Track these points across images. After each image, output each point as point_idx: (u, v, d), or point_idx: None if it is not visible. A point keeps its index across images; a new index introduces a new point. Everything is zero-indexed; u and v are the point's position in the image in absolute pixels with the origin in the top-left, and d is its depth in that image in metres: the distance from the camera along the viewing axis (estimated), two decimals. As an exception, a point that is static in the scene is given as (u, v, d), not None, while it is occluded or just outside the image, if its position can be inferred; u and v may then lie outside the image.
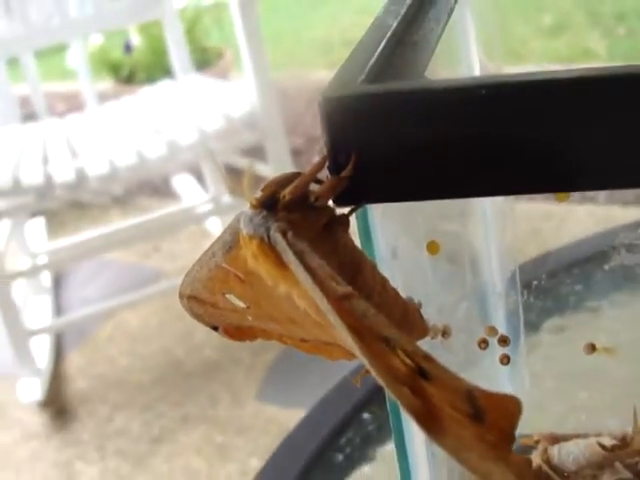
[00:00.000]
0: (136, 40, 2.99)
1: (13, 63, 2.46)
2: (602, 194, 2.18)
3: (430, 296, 0.31)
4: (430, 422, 0.24)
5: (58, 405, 1.87)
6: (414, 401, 0.24)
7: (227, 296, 0.32)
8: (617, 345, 0.64)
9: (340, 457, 0.63)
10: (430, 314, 0.30)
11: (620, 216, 2.00)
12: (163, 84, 2.15)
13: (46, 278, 2.30)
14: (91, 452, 1.72)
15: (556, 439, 0.53)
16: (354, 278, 0.28)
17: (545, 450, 0.52)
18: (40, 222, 2.48)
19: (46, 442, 1.79)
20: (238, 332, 0.34)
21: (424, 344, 0.29)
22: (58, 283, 2.31)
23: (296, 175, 0.28)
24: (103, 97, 2.33)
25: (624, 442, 0.50)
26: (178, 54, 2.16)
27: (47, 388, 1.90)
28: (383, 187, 0.28)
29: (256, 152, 1.90)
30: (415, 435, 0.33)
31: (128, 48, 3.01)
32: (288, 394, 1.73)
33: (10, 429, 1.85)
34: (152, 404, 1.81)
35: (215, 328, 0.34)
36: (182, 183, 2.43)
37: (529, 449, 0.53)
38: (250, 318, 0.33)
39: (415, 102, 0.27)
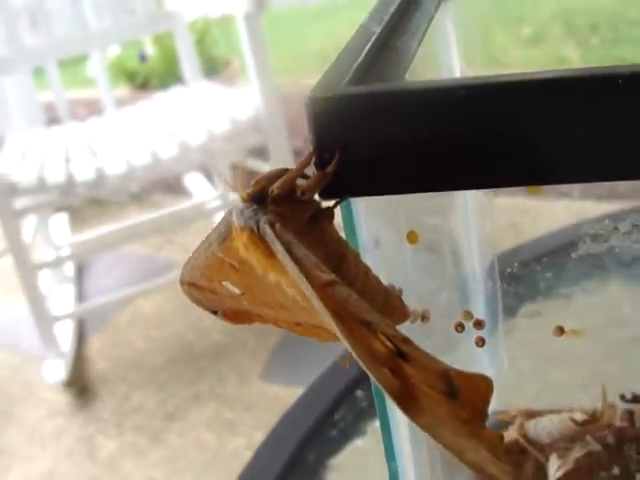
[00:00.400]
0: (150, 50, 2.99)
1: (39, 72, 2.46)
2: (577, 190, 2.17)
3: (410, 283, 0.31)
4: (407, 401, 0.23)
5: (80, 385, 1.87)
6: (392, 381, 0.24)
7: (223, 283, 0.32)
8: (587, 328, 0.64)
9: (334, 431, 0.63)
10: (410, 300, 0.30)
11: (594, 210, 2.00)
12: (175, 90, 2.14)
13: (69, 268, 2.29)
14: (110, 428, 1.72)
15: (532, 415, 0.53)
16: (338, 267, 0.27)
17: (521, 425, 0.52)
18: (63, 217, 2.48)
19: (70, 419, 1.79)
20: (236, 316, 0.34)
21: (404, 328, 0.28)
22: (80, 273, 2.31)
23: (285, 171, 0.28)
24: (120, 103, 2.32)
25: (594, 417, 0.50)
26: (189, 63, 2.15)
27: (70, 369, 1.90)
28: (365, 182, 0.27)
29: (260, 152, 1.90)
30: (398, 414, 0.33)
31: (143, 58, 3.01)
32: (290, 374, 1.73)
33: (37, 407, 1.85)
34: (166, 384, 1.81)
35: (214, 312, 0.34)
36: (193, 181, 2.43)
37: (507, 424, 0.53)
38: (245, 303, 0.32)
39: (395, 102, 0.26)
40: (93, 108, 2.60)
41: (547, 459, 0.50)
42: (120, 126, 2.01)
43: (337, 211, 0.29)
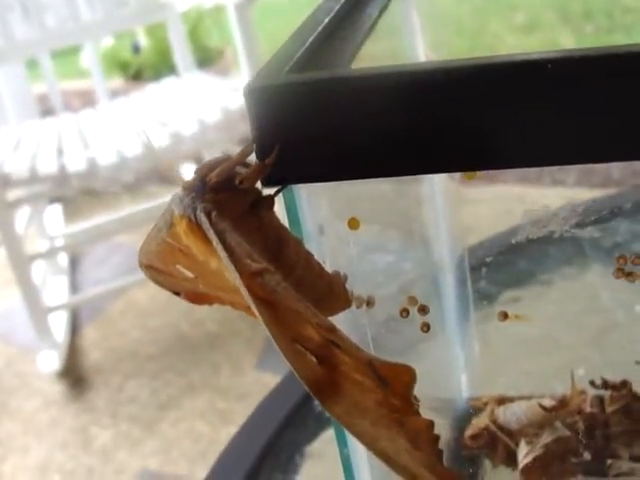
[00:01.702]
0: (143, 41, 2.99)
1: (32, 64, 2.46)
2: (571, 178, 2.17)
3: (356, 269, 0.31)
4: (325, 389, 0.23)
5: (75, 375, 1.88)
6: (313, 370, 0.24)
7: (178, 267, 0.32)
8: (564, 314, 0.64)
9: (311, 419, 0.63)
10: (356, 286, 0.30)
11: (588, 197, 1.99)
12: (168, 81, 2.14)
13: (63, 259, 2.30)
14: (105, 418, 1.73)
15: (502, 401, 0.53)
16: (278, 253, 0.28)
17: (492, 411, 0.52)
18: (57, 208, 2.48)
19: (64, 409, 1.79)
20: (197, 297, 0.34)
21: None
22: (74, 264, 2.32)
23: (225, 159, 0.28)
24: (114, 94, 2.32)
25: (563, 403, 0.50)
26: (182, 54, 2.15)
27: (64, 360, 1.91)
28: (306, 169, 0.28)
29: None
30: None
31: (136, 49, 3.01)
32: (284, 363, 1.73)
33: (32, 397, 1.85)
34: (160, 373, 1.81)
35: (177, 293, 0.34)
36: (186, 172, 2.43)
37: (479, 411, 0.53)
38: (201, 286, 0.32)
39: (333, 90, 0.26)
40: (87, 99, 2.61)
41: (517, 445, 0.50)
42: (113, 117, 2.01)
43: (280, 198, 0.29)
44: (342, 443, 0.34)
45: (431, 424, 0.24)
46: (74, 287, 2.19)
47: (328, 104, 0.26)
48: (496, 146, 0.26)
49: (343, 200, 0.30)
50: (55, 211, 2.46)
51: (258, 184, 0.28)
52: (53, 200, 2.40)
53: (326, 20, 0.32)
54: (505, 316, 0.41)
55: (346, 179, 0.28)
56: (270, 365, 1.75)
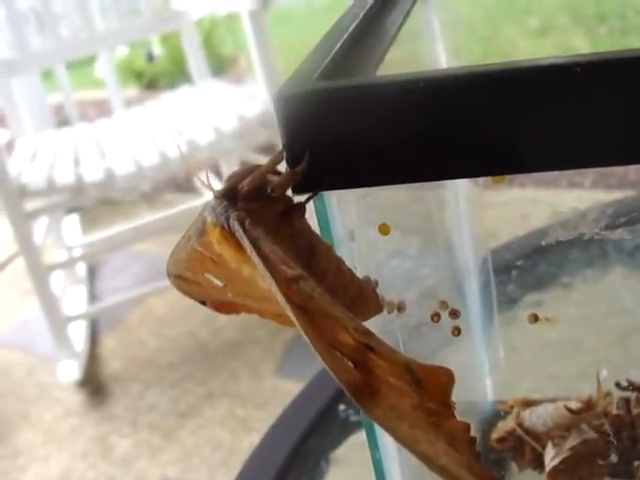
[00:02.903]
0: (158, 50, 3.00)
1: (47, 75, 2.47)
2: (588, 180, 2.17)
3: (387, 275, 0.31)
4: (364, 393, 0.24)
5: (94, 384, 1.88)
6: (351, 374, 0.24)
7: (206, 275, 0.32)
8: (587, 316, 0.64)
9: (336, 425, 0.64)
10: (387, 291, 0.30)
11: (604, 200, 1.99)
12: (183, 90, 2.15)
13: (81, 269, 2.30)
14: (125, 426, 1.73)
15: (528, 404, 0.53)
16: (309, 260, 0.28)
17: (518, 414, 0.52)
18: (75, 218, 2.49)
19: (84, 418, 1.80)
20: (224, 306, 0.34)
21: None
22: (92, 273, 2.32)
23: (256, 167, 0.28)
24: (129, 103, 2.33)
25: (589, 405, 0.50)
26: (196, 62, 2.15)
27: (84, 369, 1.91)
28: (337, 176, 0.28)
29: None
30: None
31: (151, 57, 3.02)
32: (304, 370, 1.72)
33: (52, 407, 1.86)
34: (179, 382, 1.82)
35: (203, 303, 0.34)
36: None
37: (505, 414, 0.53)
38: (230, 295, 0.33)
39: (363, 96, 0.27)
40: (102, 109, 2.62)
41: (544, 447, 0.50)
42: (129, 126, 2.01)
43: (310, 205, 0.29)
44: (374, 447, 0.34)
45: (467, 426, 0.24)
46: (93, 297, 2.20)
47: (357, 110, 0.27)
48: (525, 150, 0.26)
49: (372, 206, 0.30)
50: (72, 221, 2.47)
51: (288, 192, 0.28)
52: (70, 210, 2.41)
53: (351, 27, 0.32)
54: (536, 318, 0.41)
55: (376, 185, 0.28)
56: (289, 372, 1.75)
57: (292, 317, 0.25)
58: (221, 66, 2.85)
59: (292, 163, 0.28)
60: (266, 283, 0.26)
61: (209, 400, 1.74)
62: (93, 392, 1.86)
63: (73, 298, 2.14)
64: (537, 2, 3.41)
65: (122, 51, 3.01)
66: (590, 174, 2.14)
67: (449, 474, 0.22)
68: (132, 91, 3.01)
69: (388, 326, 0.26)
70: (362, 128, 0.27)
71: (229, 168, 2.12)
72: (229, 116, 1.84)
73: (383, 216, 0.30)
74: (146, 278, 2.17)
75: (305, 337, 0.25)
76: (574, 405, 0.50)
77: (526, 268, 0.70)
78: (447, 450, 0.22)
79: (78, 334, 1.99)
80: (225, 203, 0.28)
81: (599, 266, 0.70)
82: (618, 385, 0.51)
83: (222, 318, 1.95)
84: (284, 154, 0.28)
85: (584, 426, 0.50)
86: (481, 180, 0.47)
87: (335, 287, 0.27)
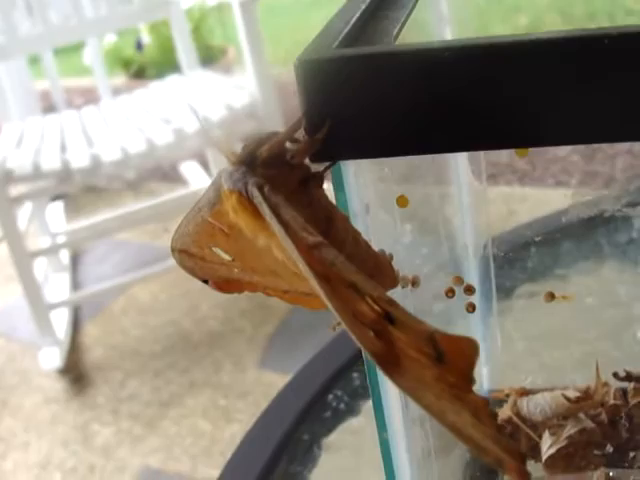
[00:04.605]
0: (147, 39, 2.98)
1: (34, 60, 2.46)
2: (574, 179, 2.17)
3: (401, 249, 0.31)
4: (389, 362, 0.23)
5: (76, 372, 1.87)
6: (376, 344, 0.23)
7: (214, 250, 0.32)
8: (584, 308, 0.64)
9: (328, 411, 0.63)
10: (401, 265, 0.30)
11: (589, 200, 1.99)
12: (171, 79, 2.14)
13: (65, 256, 2.29)
14: (106, 415, 1.72)
15: (525, 392, 0.53)
16: (327, 230, 0.27)
17: (514, 403, 0.52)
18: (59, 205, 2.48)
19: (65, 406, 1.79)
20: (226, 284, 0.33)
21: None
22: (76, 261, 2.31)
23: (274, 135, 0.28)
24: (117, 91, 2.32)
25: (587, 395, 0.50)
26: (185, 51, 2.14)
27: (66, 357, 1.91)
28: (356, 145, 0.27)
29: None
30: (388, 383, 0.33)
31: (139, 46, 3.00)
32: (287, 361, 1.73)
33: (33, 394, 1.85)
34: (161, 371, 1.81)
35: (205, 281, 0.34)
36: (189, 169, 2.42)
37: (501, 402, 0.53)
38: (236, 270, 0.32)
39: (385, 64, 0.26)
40: (89, 96, 2.61)
41: (540, 436, 0.50)
42: (116, 114, 2.00)
43: (327, 175, 0.28)
44: (382, 427, 0.33)
45: (487, 401, 0.23)
46: (75, 284, 2.19)
47: (378, 79, 0.26)
48: (546, 122, 0.26)
49: (391, 177, 0.30)
50: (57, 208, 2.45)
51: (306, 160, 0.28)
52: (55, 197, 2.40)
53: (367, 1, 0.32)
54: (552, 296, 0.40)
55: (394, 155, 0.27)
56: (272, 364, 1.75)
57: (314, 285, 0.24)
58: (210, 57, 2.83)
59: (311, 131, 0.27)
60: (286, 251, 0.26)
61: (191, 390, 1.73)
62: (74, 380, 1.85)
63: (56, 285, 2.13)
64: (526, 0, 3.42)
65: (110, 39, 3.00)
66: (577, 173, 2.15)
67: (477, 445, 0.21)
68: (120, 79, 2.99)
69: (401, 301, 0.25)
70: (382, 97, 0.26)
71: (216, 157, 2.11)
72: (217, 106, 1.83)
73: (400, 189, 0.30)
74: (130, 267, 2.16)
75: (329, 305, 0.24)
76: (572, 394, 0.50)
77: (522, 259, 0.70)
78: (473, 421, 0.22)
79: (60, 321, 1.98)
80: (243, 169, 0.27)
81: (593, 258, 0.70)
82: (616, 375, 0.51)
83: (204, 308, 1.94)
84: (303, 122, 0.27)
85: (581, 415, 0.50)
86: (483, 177, 0.47)
87: (352, 259, 0.26)
